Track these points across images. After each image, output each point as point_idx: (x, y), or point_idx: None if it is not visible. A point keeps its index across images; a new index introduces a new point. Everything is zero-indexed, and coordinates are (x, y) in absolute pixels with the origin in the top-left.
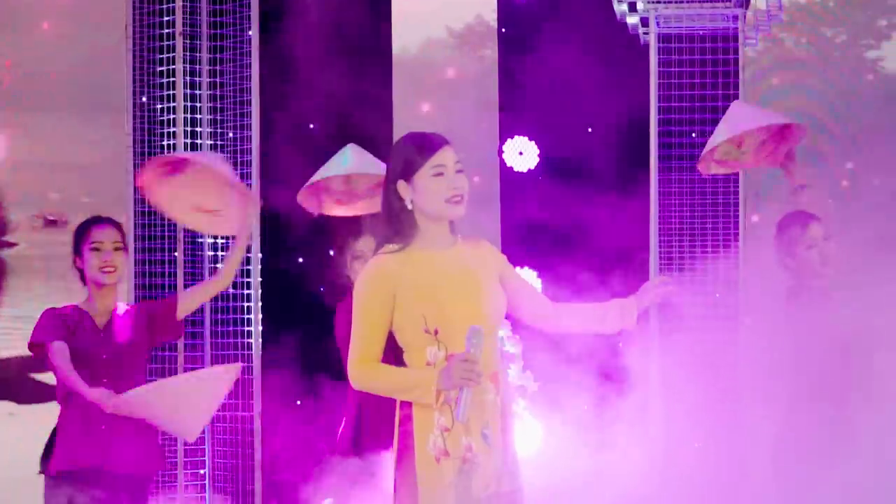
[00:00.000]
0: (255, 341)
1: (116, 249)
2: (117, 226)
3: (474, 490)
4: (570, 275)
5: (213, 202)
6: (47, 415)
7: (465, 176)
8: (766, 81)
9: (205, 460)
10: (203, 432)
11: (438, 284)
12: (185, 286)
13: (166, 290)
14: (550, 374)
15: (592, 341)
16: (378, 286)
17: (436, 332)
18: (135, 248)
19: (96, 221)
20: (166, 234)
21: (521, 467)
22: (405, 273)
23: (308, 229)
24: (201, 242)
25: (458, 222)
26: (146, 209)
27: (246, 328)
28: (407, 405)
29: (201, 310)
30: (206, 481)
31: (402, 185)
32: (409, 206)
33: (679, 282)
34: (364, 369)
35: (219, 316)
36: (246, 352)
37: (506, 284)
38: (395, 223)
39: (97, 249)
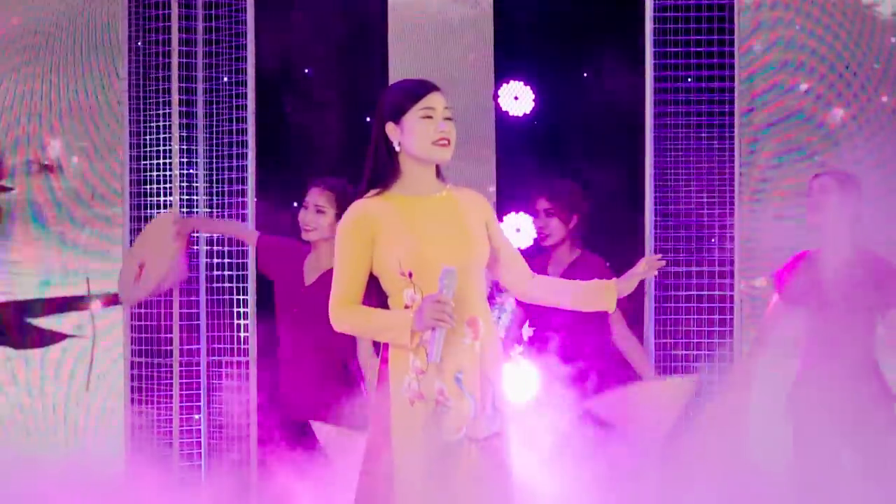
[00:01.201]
0: (251, 276)
1: (318, 212)
2: (330, 189)
3: (445, 433)
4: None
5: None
6: (42, 359)
7: (454, 123)
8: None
9: (200, 405)
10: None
11: (415, 227)
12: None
13: None
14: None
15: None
16: (358, 229)
17: (410, 275)
18: (129, 193)
19: (315, 183)
20: (161, 179)
21: (505, 415)
22: (385, 216)
23: (304, 176)
24: (196, 187)
25: (447, 171)
26: (141, 154)
27: (241, 273)
28: (386, 348)
29: (195, 253)
30: (202, 426)
31: (390, 127)
32: (398, 148)
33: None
34: (343, 311)
35: (213, 259)
36: (240, 297)
37: (489, 239)
38: (380, 166)
39: (304, 208)
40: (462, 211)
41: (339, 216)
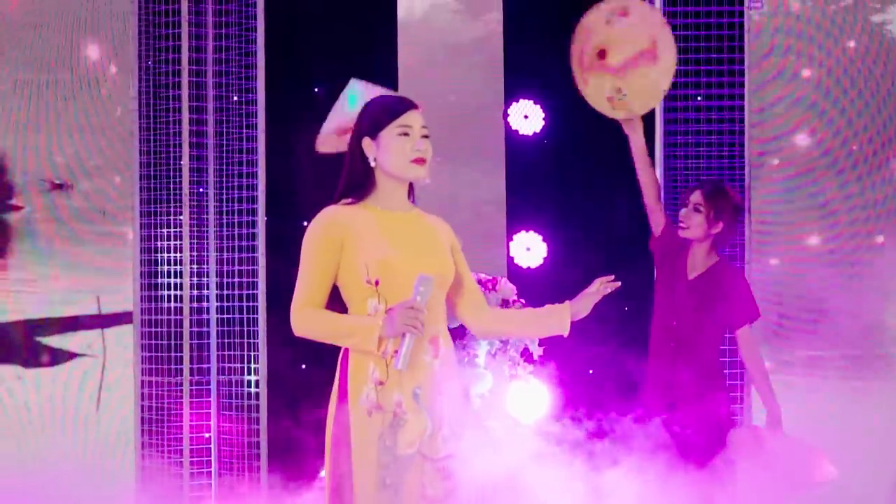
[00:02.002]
0: (261, 296)
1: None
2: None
3: (400, 446)
4: (574, 239)
5: None
6: (52, 378)
7: (430, 143)
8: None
9: (210, 424)
10: (208, 395)
11: (385, 236)
12: (190, 249)
13: (171, 253)
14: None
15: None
16: (327, 232)
17: (376, 283)
18: (140, 211)
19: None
20: (172, 196)
21: (461, 439)
22: (356, 222)
23: (315, 197)
24: (206, 205)
25: (419, 192)
26: (151, 173)
27: (252, 292)
28: (345, 358)
29: (206, 272)
30: (212, 445)
31: (366, 143)
32: (373, 164)
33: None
34: (306, 313)
35: (224, 279)
36: (252, 315)
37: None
38: (355, 179)
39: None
40: (430, 230)
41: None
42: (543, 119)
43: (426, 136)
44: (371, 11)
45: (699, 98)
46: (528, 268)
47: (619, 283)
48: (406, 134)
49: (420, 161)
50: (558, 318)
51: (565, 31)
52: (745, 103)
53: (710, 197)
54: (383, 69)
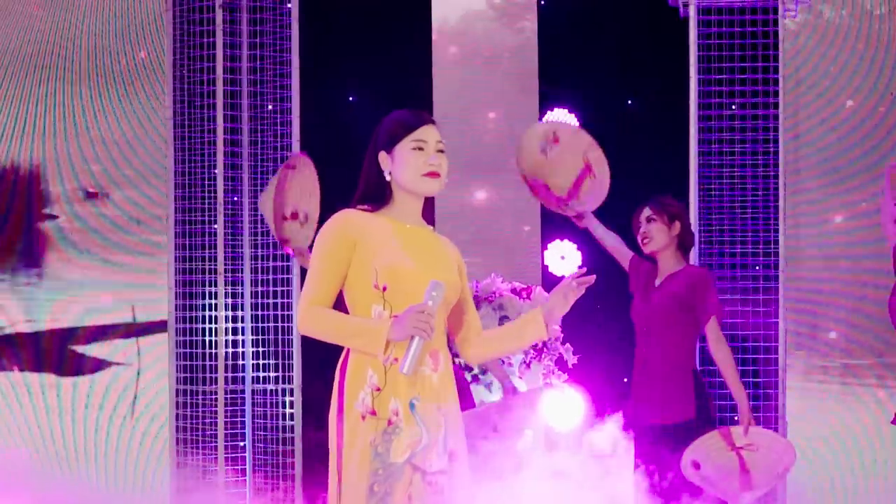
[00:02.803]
0: (296, 304)
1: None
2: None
3: (392, 454)
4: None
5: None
6: (88, 387)
7: (446, 157)
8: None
9: (245, 432)
10: (242, 404)
11: (397, 243)
12: (225, 259)
13: (206, 262)
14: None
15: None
16: (341, 233)
17: (384, 289)
18: (174, 220)
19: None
20: (206, 206)
21: (458, 457)
22: (370, 226)
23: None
24: (240, 215)
25: (454, 201)
26: (185, 181)
27: (286, 300)
28: (345, 361)
29: (240, 281)
30: (247, 453)
31: (382, 156)
32: (388, 178)
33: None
34: (314, 311)
35: (258, 288)
36: (285, 324)
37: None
38: (371, 192)
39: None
40: (440, 247)
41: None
42: (578, 124)
43: (442, 151)
44: (405, 20)
45: (734, 107)
46: (563, 276)
47: (592, 277)
48: (420, 148)
49: (433, 175)
50: (533, 325)
51: (599, 40)
52: (780, 112)
53: (658, 205)
54: (418, 78)
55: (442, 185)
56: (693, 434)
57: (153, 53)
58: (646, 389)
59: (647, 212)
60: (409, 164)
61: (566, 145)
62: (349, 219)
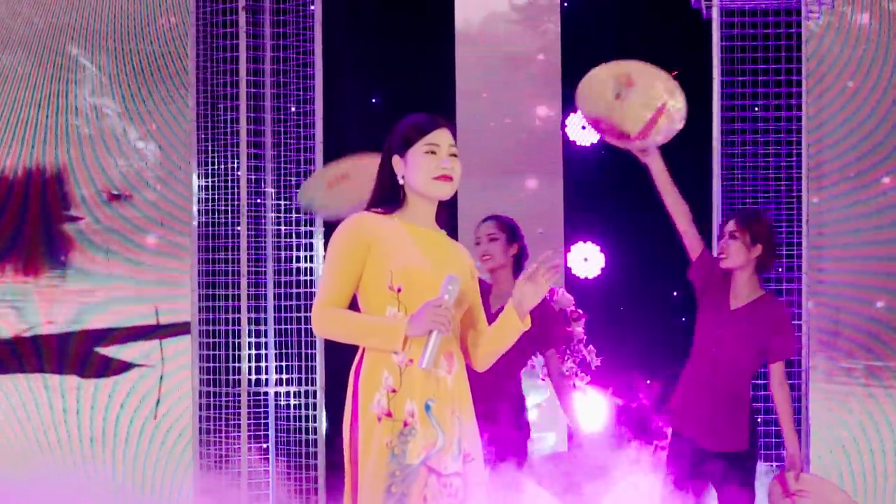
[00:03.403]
0: None
1: (491, 240)
2: (496, 219)
3: (408, 456)
4: (632, 249)
5: None
6: (111, 388)
7: (459, 161)
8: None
9: (268, 434)
10: (265, 406)
11: (412, 245)
12: (248, 260)
13: (229, 265)
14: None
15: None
16: (356, 234)
17: (398, 290)
18: (198, 221)
19: (483, 219)
20: (229, 207)
21: (474, 458)
22: (385, 228)
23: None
24: (264, 217)
25: (445, 207)
26: (209, 183)
27: (309, 302)
28: (360, 364)
29: (264, 283)
30: (270, 455)
31: (395, 160)
32: (401, 181)
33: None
34: (329, 312)
35: (282, 290)
36: (308, 326)
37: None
38: (385, 195)
39: (477, 244)
40: (453, 251)
41: (508, 241)
42: None
43: (454, 156)
44: (428, 22)
45: (757, 109)
46: (586, 278)
47: (558, 261)
48: (433, 152)
49: (444, 178)
50: (511, 320)
51: (623, 41)
52: (803, 113)
53: (744, 222)
54: (441, 80)
55: (454, 189)
56: (743, 464)
57: (176, 54)
58: (705, 411)
59: (731, 226)
60: (421, 167)
61: (642, 87)
62: (363, 221)
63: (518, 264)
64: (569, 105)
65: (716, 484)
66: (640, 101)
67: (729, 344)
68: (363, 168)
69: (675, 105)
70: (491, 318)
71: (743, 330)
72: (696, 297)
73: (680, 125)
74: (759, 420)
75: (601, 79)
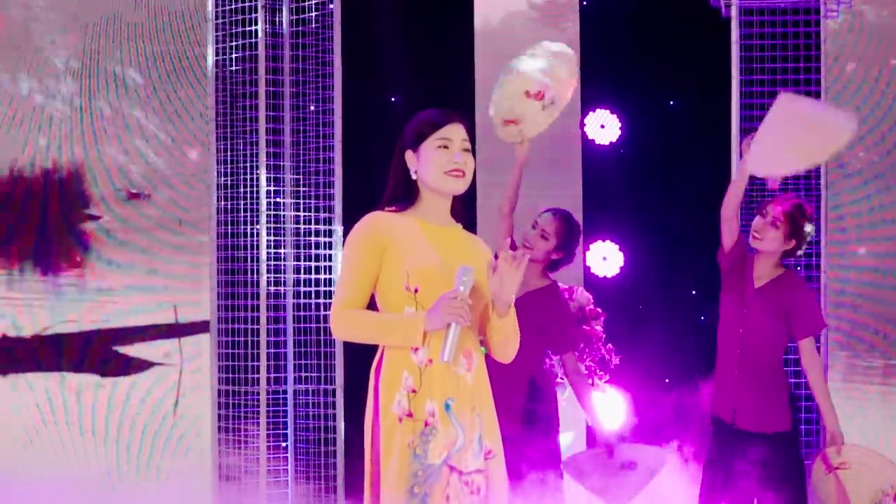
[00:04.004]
0: None
1: (542, 237)
2: (561, 219)
3: (430, 456)
4: (651, 248)
5: None
6: (130, 387)
7: (471, 157)
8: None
9: (287, 433)
10: (284, 405)
11: (428, 245)
12: (267, 259)
13: (248, 263)
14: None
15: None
16: (371, 236)
17: (416, 291)
18: (216, 220)
19: (549, 209)
20: (249, 206)
21: (498, 456)
22: (400, 229)
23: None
24: (284, 215)
25: (460, 204)
26: (228, 182)
27: (328, 301)
28: (379, 365)
29: (283, 282)
30: (289, 454)
31: (409, 155)
32: (414, 176)
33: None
34: (347, 314)
35: (301, 288)
36: (327, 324)
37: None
38: (398, 191)
39: (533, 227)
40: (469, 246)
41: (556, 247)
42: (620, 128)
43: (467, 150)
44: (447, 21)
45: None
46: (605, 277)
47: (526, 254)
48: (445, 147)
49: (456, 173)
50: (492, 314)
51: (641, 40)
52: None
53: (789, 216)
54: (460, 78)
55: (466, 185)
56: (787, 446)
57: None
58: (742, 394)
59: (777, 212)
60: (433, 162)
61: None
62: (378, 222)
63: (553, 268)
64: (588, 103)
65: (761, 469)
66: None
67: (755, 321)
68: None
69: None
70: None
71: (767, 306)
72: (721, 277)
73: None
74: (799, 404)
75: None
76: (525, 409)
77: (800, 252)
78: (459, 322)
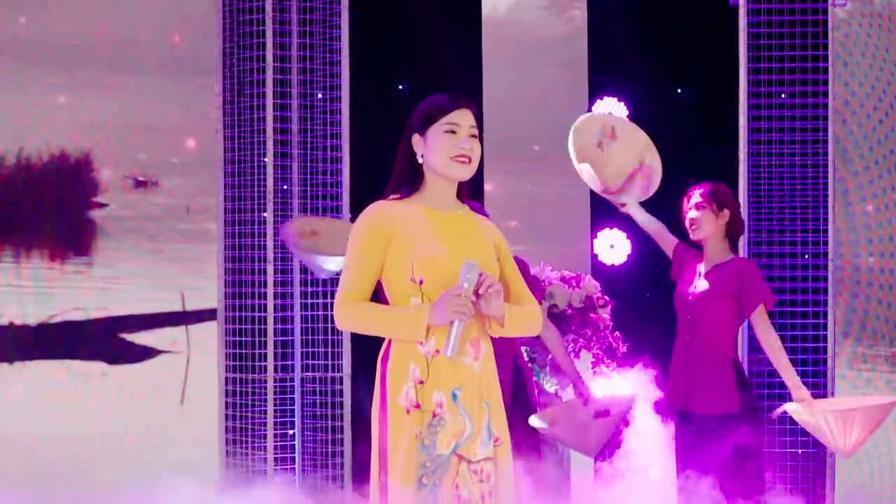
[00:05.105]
0: None
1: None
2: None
3: (438, 446)
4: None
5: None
6: (137, 374)
7: (478, 143)
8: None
9: (294, 420)
10: (291, 392)
11: (432, 235)
12: (274, 246)
13: (255, 251)
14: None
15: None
16: (375, 227)
17: (420, 282)
18: (224, 208)
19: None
20: (256, 194)
21: (506, 443)
22: (404, 219)
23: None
24: (290, 203)
25: (466, 189)
26: (235, 170)
27: (335, 288)
28: (386, 355)
29: (290, 269)
30: (296, 441)
31: (416, 139)
32: (420, 161)
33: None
34: (351, 306)
35: (308, 276)
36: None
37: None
38: (404, 176)
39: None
40: (476, 230)
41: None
42: (627, 116)
43: (474, 136)
44: (456, 9)
45: (783, 96)
46: (613, 265)
47: (489, 277)
48: (453, 132)
49: (463, 158)
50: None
51: (649, 27)
52: (829, 100)
53: (708, 192)
54: (468, 67)
55: (472, 171)
56: (738, 426)
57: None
58: (691, 378)
59: (696, 198)
60: (440, 146)
61: (623, 142)
62: (382, 213)
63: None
64: (595, 91)
65: (718, 451)
66: (621, 155)
67: (701, 304)
68: (333, 229)
69: (653, 164)
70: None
71: (712, 288)
72: (673, 279)
73: (656, 185)
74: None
75: (587, 125)
76: (514, 384)
77: (740, 227)
78: (462, 319)
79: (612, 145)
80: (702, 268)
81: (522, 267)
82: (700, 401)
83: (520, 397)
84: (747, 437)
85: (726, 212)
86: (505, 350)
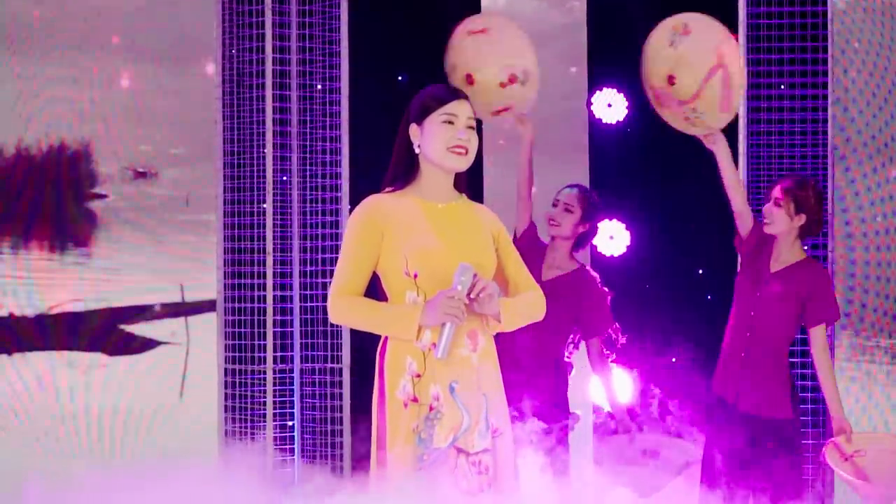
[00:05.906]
0: None
1: (566, 211)
2: (581, 192)
3: (436, 440)
4: (658, 227)
5: None
6: (137, 365)
7: (476, 135)
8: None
9: (293, 412)
10: (290, 384)
11: (426, 229)
12: (274, 238)
13: (255, 242)
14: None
15: (678, 295)
16: (369, 221)
17: (415, 276)
18: (223, 200)
19: (569, 185)
20: (255, 185)
21: (506, 433)
22: (398, 213)
23: None
24: (289, 194)
25: (462, 180)
26: (234, 161)
27: None
28: (383, 350)
29: (289, 261)
30: (295, 433)
31: (413, 129)
32: (417, 151)
33: None
34: (344, 300)
35: (307, 267)
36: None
37: (497, 252)
38: (401, 166)
39: (554, 206)
40: (473, 221)
41: (582, 218)
42: (627, 107)
43: (472, 128)
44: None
45: (782, 87)
46: (612, 256)
47: (480, 283)
48: (451, 122)
49: (459, 149)
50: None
51: (649, 19)
52: (829, 92)
53: (789, 190)
54: None
55: (469, 162)
56: (786, 433)
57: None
58: (747, 375)
59: (776, 192)
60: (437, 136)
61: (698, 36)
62: (377, 206)
63: (581, 242)
64: (594, 82)
65: (759, 453)
66: (697, 51)
67: (766, 305)
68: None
69: (732, 67)
70: (543, 287)
71: (780, 291)
72: (741, 261)
73: (737, 103)
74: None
75: (657, 32)
76: (554, 385)
77: (817, 228)
78: (454, 322)
79: (686, 41)
80: (772, 264)
81: (602, 295)
82: (755, 401)
83: (557, 397)
84: (794, 444)
85: (803, 216)
86: (550, 350)
